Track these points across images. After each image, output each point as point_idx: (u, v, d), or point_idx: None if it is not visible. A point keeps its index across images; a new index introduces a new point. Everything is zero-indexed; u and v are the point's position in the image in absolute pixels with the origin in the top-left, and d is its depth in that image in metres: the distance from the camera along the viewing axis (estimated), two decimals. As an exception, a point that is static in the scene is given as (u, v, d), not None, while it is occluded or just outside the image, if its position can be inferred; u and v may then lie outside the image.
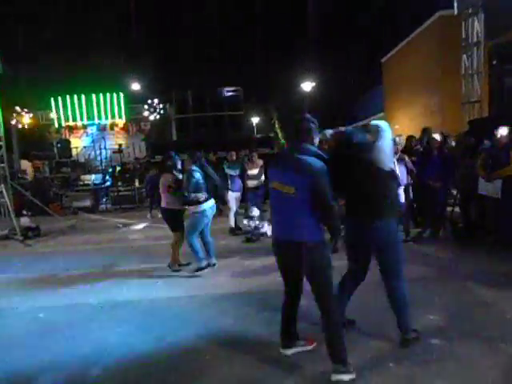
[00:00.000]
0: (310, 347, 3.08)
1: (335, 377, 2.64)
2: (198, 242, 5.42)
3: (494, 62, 7.23)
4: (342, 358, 2.66)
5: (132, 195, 12.96)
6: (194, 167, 5.50)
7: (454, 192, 7.22)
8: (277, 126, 33.75)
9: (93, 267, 6.05)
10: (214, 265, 5.47)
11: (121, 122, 16.46)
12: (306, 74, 24.29)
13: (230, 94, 18.04)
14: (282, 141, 25.04)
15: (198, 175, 5.39)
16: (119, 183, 13.31)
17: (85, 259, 6.66)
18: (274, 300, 3.71)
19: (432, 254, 5.62)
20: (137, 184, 13.21)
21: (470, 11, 9.12)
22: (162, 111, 16.32)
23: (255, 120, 35.53)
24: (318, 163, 2.70)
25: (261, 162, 8.47)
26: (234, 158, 8.34)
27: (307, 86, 24.27)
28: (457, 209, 6.87)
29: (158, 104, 16.43)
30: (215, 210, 5.66)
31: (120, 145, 14.92)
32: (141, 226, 9.73)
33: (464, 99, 9.62)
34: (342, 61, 30.89)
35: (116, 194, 13.00)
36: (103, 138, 15.11)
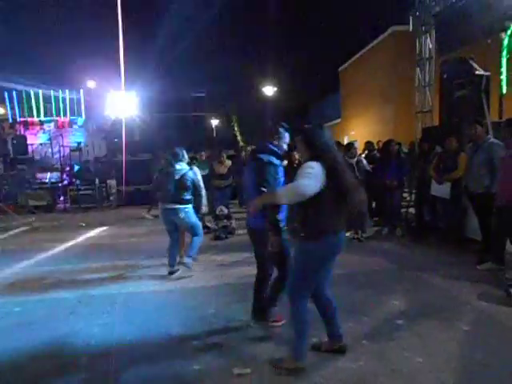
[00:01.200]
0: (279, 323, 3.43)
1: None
2: None
3: (445, 76, 7.92)
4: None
5: (93, 194, 12.70)
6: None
7: (407, 195, 7.89)
8: (236, 129, 34.02)
9: (62, 264, 5.99)
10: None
11: (80, 119, 16.00)
12: (268, 79, 24.83)
13: (196, 95, 18.07)
14: (241, 143, 25.36)
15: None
16: (78, 182, 12.99)
17: (52, 257, 6.56)
18: (250, 290, 3.97)
19: (391, 249, 6.12)
20: (97, 183, 12.96)
21: (423, 29, 9.90)
22: (124, 110, 16.03)
23: (215, 122, 35.63)
24: (266, 157, 3.13)
25: (229, 163, 8.71)
26: (204, 157, 8.50)
27: (269, 90, 24.79)
28: (411, 209, 7.51)
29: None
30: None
31: (79, 143, 14.54)
32: (105, 225, 9.61)
33: (417, 109, 10.42)
34: (301, 68, 31.79)
35: (76, 193, 12.68)
36: (61, 135, 14.60)
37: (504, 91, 7.90)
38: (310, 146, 2.74)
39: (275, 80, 25.41)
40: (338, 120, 26.44)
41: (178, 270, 5.24)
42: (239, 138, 31.23)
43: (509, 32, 7.43)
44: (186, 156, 5.38)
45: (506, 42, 7.54)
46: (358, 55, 22.91)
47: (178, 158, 5.23)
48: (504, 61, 7.71)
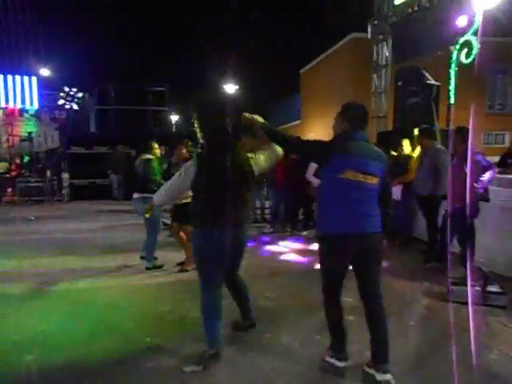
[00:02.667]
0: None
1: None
2: None
3: (399, 84, 8.31)
4: None
5: (43, 187, 12.15)
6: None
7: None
8: (196, 125, 33.64)
9: (9, 258, 5.71)
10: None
11: (32, 108, 15.20)
12: (230, 77, 24.76)
13: (157, 89, 17.61)
14: (200, 140, 25.09)
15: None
16: (28, 174, 12.39)
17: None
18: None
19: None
20: (48, 175, 12.42)
21: (380, 37, 10.32)
22: (80, 101, 15.42)
23: (175, 118, 35.15)
24: None
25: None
26: (163, 152, 8.38)
27: (230, 88, 24.72)
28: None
29: (76, 93, 15.49)
30: None
31: (30, 133, 13.83)
32: (56, 219, 9.24)
33: (373, 114, 10.84)
34: (263, 67, 32.00)
35: (25, 185, 12.08)
36: (10, 123, 13.82)
37: (452, 101, 8.41)
38: None
39: (237, 78, 25.43)
40: (298, 121, 26.86)
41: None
42: (199, 134, 30.89)
43: (458, 46, 7.92)
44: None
45: (454, 55, 8.02)
46: (319, 58, 23.38)
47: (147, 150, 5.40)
48: (453, 73, 8.21)
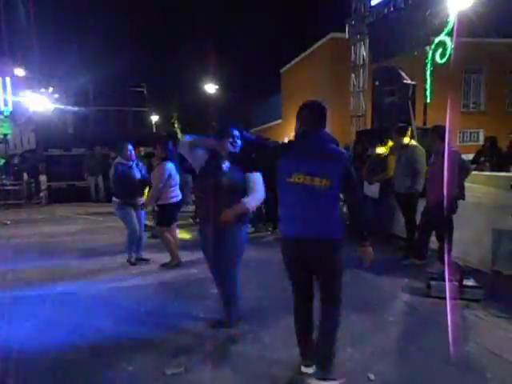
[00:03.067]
0: None
1: None
2: None
3: (376, 83, 8.44)
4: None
5: (20, 190, 11.85)
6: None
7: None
8: (176, 125, 33.49)
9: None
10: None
11: (7, 109, 14.80)
12: (209, 77, 24.68)
13: (136, 89, 17.30)
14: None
15: None
16: (4, 177, 12.05)
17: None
18: (188, 289, 3.97)
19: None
20: (25, 178, 12.13)
21: (358, 37, 10.44)
22: (57, 101, 15.08)
23: (155, 118, 34.76)
24: None
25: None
26: (143, 153, 8.29)
27: (210, 88, 24.67)
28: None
29: (53, 93, 15.13)
30: None
31: (5, 134, 13.48)
32: (34, 223, 9.03)
33: (352, 113, 10.97)
34: (244, 67, 31.98)
35: (0, 188, 11.75)
36: (-17, 125, 13.46)
37: (428, 100, 8.59)
38: None
39: (217, 78, 25.38)
40: (279, 121, 26.97)
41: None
42: (180, 135, 30.75)
43: (433, 46, 8.10)
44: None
45: (430, 55, 8.20)
46: (299, 58, 23.53)
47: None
48: (428, 72, 8.39)
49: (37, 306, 4.07)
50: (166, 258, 5.45)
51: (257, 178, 3.29)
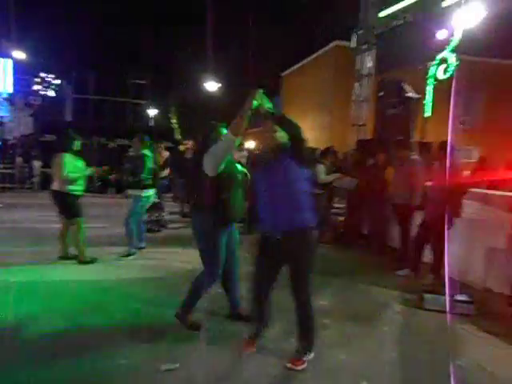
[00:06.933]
0: None
1: None
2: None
3: (381, 94, 8.51)
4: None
5: (14, 174, 11.73)
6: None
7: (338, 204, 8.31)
8: (174, 121, 33.29)
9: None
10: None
11: (5, 92, 14.61)
12: (211, 74, 24.58)
13: (137, 82, 17.18)
14: (178, 136, 24.84)
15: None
16: (-3, 160, 11.92)
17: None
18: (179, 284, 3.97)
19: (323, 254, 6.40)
20: (18, 162, 11.98)
21: (364, 47, 10.49)
22: (56, 88, 14.92)
23: (153, 112, 34.60)
24: None
25: (167, 154, 8.58)
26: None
27: (212, 86, 24.57)
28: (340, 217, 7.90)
29: (53, 79, 14.98)
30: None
31: (2, 117, 13.30)
32: (26, 207, 8.93)
33: (353, 121, 11.02)
34: (246, 67, 31.91)
35: (-7, 171, 11.63)
36: (-20, 107, 13.26)
37: (428, 115, 8.69)
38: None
39: (219, 76, 25.28)
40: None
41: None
42: (177, 130, 30.61)
43: (436, 62, 8.19)
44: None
45: (432, 71, 8.29)
46: (301, 63, 23.61)
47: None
48: (429, 88, 8.48)
49: (28, 294, 4.03)
50: (163, 251, 5.43)
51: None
